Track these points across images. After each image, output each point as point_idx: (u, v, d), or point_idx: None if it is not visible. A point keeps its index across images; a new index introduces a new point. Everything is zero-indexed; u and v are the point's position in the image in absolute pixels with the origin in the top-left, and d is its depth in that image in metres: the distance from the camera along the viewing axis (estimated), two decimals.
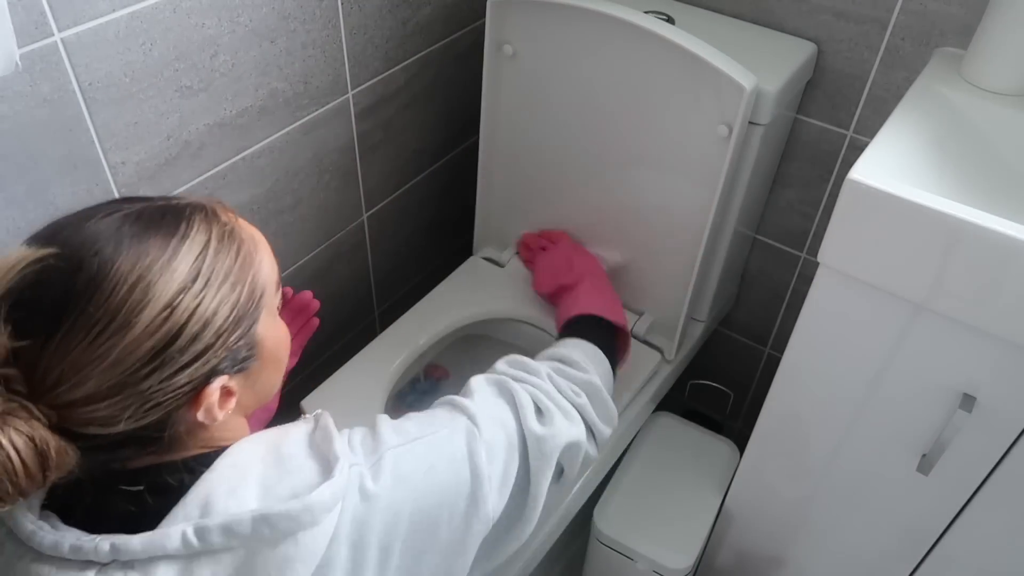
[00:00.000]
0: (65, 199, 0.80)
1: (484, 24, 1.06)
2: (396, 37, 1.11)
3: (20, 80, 0.71)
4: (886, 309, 0.80)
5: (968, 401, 0.79)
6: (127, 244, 0.52)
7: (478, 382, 0.75)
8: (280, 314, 0.65)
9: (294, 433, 0.61)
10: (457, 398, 0.72)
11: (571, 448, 0.76)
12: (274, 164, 1.02)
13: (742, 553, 1.19)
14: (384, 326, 1.20)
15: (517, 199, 1.21)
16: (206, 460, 0.57)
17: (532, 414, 0.73)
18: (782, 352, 0.92)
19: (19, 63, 0.65)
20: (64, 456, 0.51)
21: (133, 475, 0.57)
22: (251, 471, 0.57)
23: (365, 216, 1.24)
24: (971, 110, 0.90)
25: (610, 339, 0.95)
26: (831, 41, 1.06)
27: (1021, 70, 0.89)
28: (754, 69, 0.91)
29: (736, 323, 1.43)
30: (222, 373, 0.56)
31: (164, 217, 0.55)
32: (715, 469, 1.21)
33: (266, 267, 0.61)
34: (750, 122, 0.96)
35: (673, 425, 1.28)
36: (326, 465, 0.58)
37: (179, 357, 0.53)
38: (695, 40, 0.91)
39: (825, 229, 0.79)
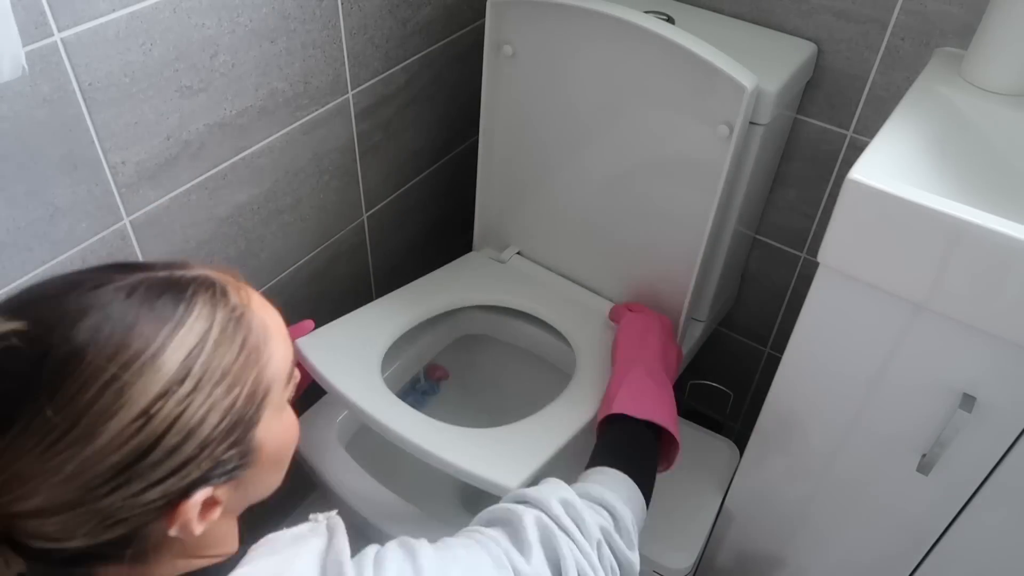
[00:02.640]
0: (65, 199, 0.80)
1: (484, 24, 1.06)
2: (396, 37, 1.11)
3: (20, 80, 0.71)
4: (886, 309, 0.80)
5: (968, 401, 0.79)
6: (108, 330, 0.44)
7: (529, 526, 0.63)
8: (293, 402, 0.57)
9: (300, 565, 0.51)
10: (503, 543, 0.62)
11: None
12: (274, 164, 1.02)
13: (742, 553, 1.19)
14: None
15: (517, 199, 1.21)
16: None
17: None
18: (782, 352, 0.92)
19: (26, 67, 0.65)
20: (3, 570, 0.45)
21: None
22: None
23: (365, 216, 1.24)
24: (971, 110, 0.90)
25: (650, 462, 0.85)
26: (831, 41, 1.06)
27: (1021, 70, 0.89)
28: (754, 69, 0.91)
29: (736, 323, 1.43)
30: (206, 484, 0.48)
31: (161, 296, 0.47)
32: (715, 469, 1.21)
33: (276, 360, 0.52)
34: (750, 122, 0.96)
35: None
36: None
37: (150, 473, 0.44)
38: (695, 40, 0.91)
39: (825, 229, 0.79)
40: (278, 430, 0.53)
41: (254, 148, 0.98)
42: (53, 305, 0.45)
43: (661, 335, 1.02)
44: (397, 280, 1.40)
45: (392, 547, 0.57)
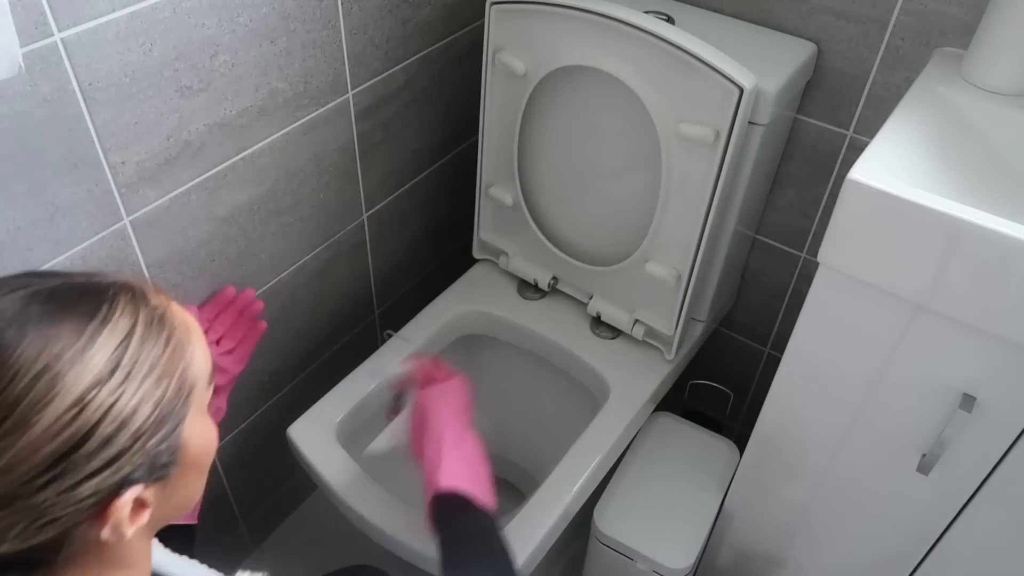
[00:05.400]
0: (65, 199, 0.80)
1: (483, 24, 1.06)
2: (396, 37, 1.11)
3: (20, 80, 0.71)
4: (886, 309, 0.80)
5: (968, 401, 0.79)
6: (34, 326, 0.45)
7: None
8: (217, 365, 0.58)
9: None
10: None
11: None
12: (274, 164, 1.02)
13: (742, 553, 1.19)
14: (384, 326, 1.20)
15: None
16: None
17: None
18: (782, 352, 0.92)
19: (22, 65, 0.65)
20: None
21: None
22: None
23: (365, 216, 1.24)
24: (971, 110, 0.90)
25: (495, 543, 0.78)
26: (831, 41, 1.06)
27: (1021, 70, 0.89)
28: (754, 69, 0.91)
29: (736, 323, 1.43)
30: (136, 482, 0.48)
31: (82, 297, 0.48)
32: (715, 469, 1.21)
33: (199, 359, 0.53)
34: (750, 122, 0.96)
35: (673, 425, 1.28)
36: None
37: (85, 464, 0.44)
38: (695, 40, 0.91)
39: (825, 229, 0.79)
40: (201, 431, 0.54)
41: (254, 148, 0.98)
42: None
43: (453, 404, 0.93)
44: (397, 280, 1.40)
45: None
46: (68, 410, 0.44)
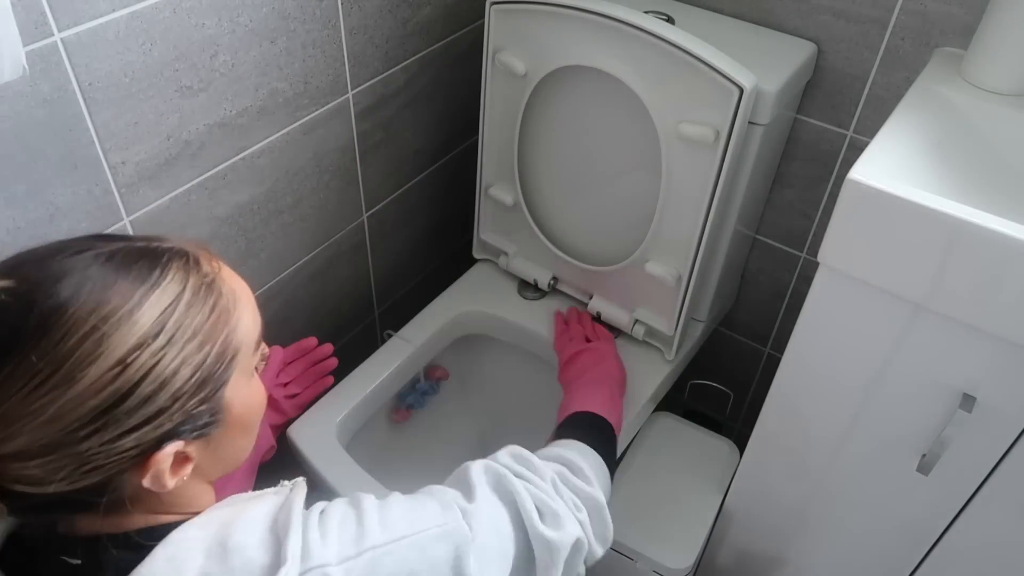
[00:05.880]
0: (65, 199, 0.80)
1: (484, 24, 1.06)
2: (396, 37, 1.11)
3: (20, 80, 0.71)
4: (886, 309, 0.80)
5: (968, 401, 0.79)
6: (88, 288, 0.47)
7: (477, 474, 0.67)
8: (262, 375, 0.60)
9: (253, 513, 0.54)
10: (452, 492, 0.65)
11: (575, 552, 0.69)
12: (274, 164, 1.02)
13: (742, 553, 1.19)
14: (384, 326, 1.20)
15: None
16: (154, 535, 0.51)
17: (537, 517, 0.66)
18: (782, 352, 0.92)
19: (26, 68, 0.65)
20: None
21: (75, 545, 0.52)
22: (189, 567, 0.49)
23: (365, 216, 1.24)
24: (971, 110, 0.90)
25: (610, 444, 0.89)
26: (831, 41, 1.06)
27: (1021, 70, 0.89)
28: (754, 69, 0.91)
29: (736, 323, 1.43)
30: (177, 438, 0.51)
31: (138, 261, 0.51)
32: (715, 469, 1.21)
33: (245, 325, 0.55)
34: (750, 122, 0.96)
35: (673, 425, 1.28)
36: (276, 563, 0.51)
37: (126, 419, 0.47)
38: (695, 40, 0.91)
39: (825, 229, 0.79)
40: (246, 394, 0.56)
41: (254, 148, 0.98)
42: (39, 266, 0.49)
43: (615, 361, 1.08)
44: (397, 280, 1.40)
45: (338, 500, 0.60)
46: (111, 369, 0.46)
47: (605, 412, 0.92)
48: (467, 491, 0.65)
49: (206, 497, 0.58)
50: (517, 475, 0.69)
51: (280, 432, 1.02)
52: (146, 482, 0.50)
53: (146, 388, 0.48)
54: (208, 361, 0.51)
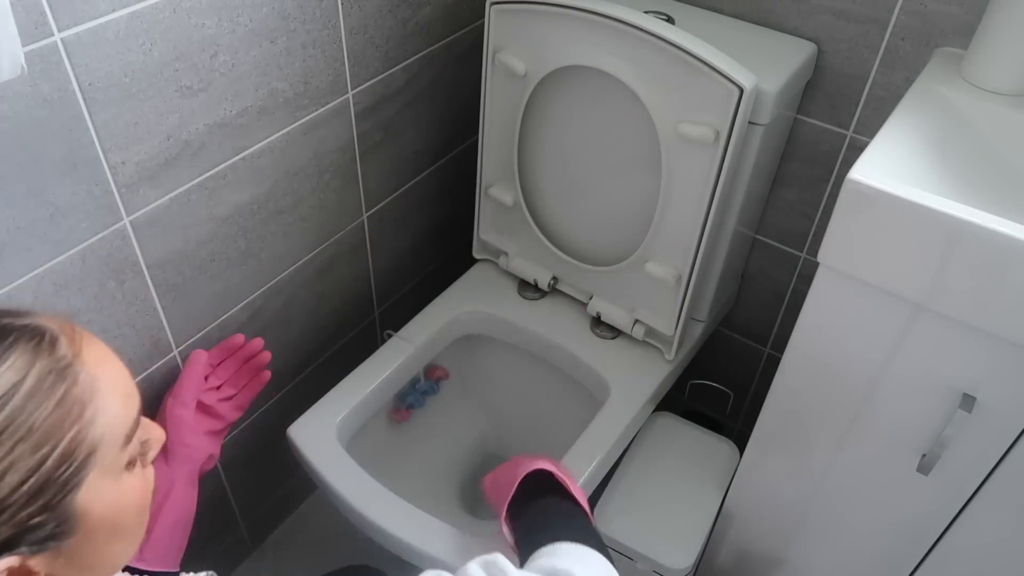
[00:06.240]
0: (65, 199, 0.80)
1: (484, 24, 1.06)
2: (396, 37, 1.11)
3: (20, 80, 0.71)
4: (886, 309, 0.80)
5: (968, 401, 0.79)
6: None
7: None
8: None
9: None
10: None
11: None
12: (274, 164, 1.02)
13: (742, 553, 1.19)
14: (384, 326, 1.20)
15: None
16: None
17: None
18: (782, 352, 0.92)
19: (25, 67, 0.65)
20: None
21: None
22: None
23: (365, 216, 1.24)
24: (971, 110, 0.90)
25: (589, 521, 0.77)
26: (831, 41, 1.06)
27: (1021, 70, 0.89)
28: (754, 69, 0.91)
29: (736, 323, 1.43)
30: (9, 552, 0.44)
31: None
32: (715, 469, 1.21)
33: (107, 416, 0.47)
34: (750, 122, 0.96)
35: (673, 425, 1.28)
36: None
37: None
38: (695, 40, 0.91)
39: (825, 229, 0.79)
40: (111, 496, 0.48)
41: (254, 148, 0.98)
42: None
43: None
44: (397, 280, 1.40)
45: None
46: None
47: (550, 464, 0.81)
48: None
49: None
50: None
51: (224, 436, 1.00)
52: None
53: None
54: (47, 465, 0.44)
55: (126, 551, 0.52)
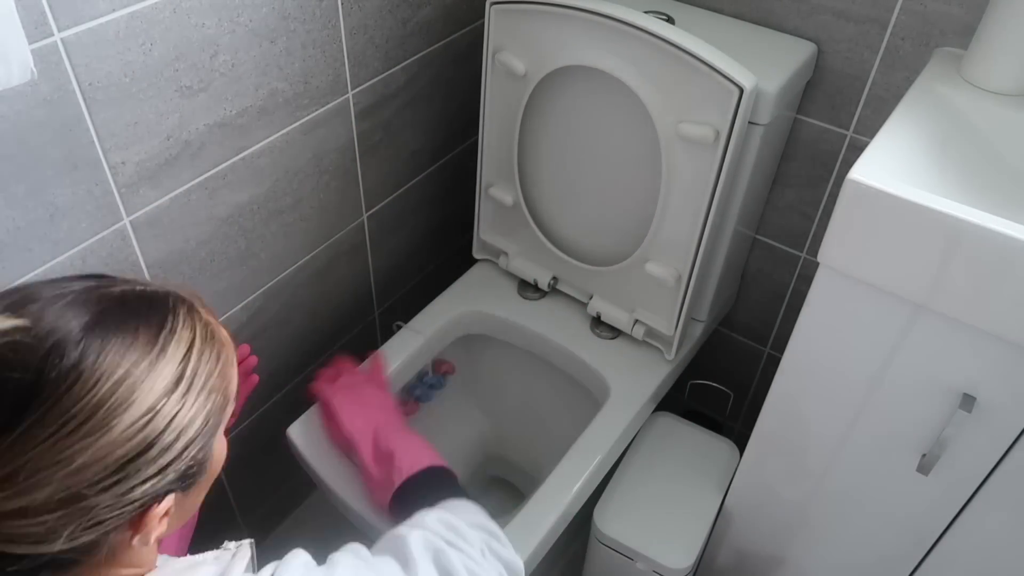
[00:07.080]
0: (65, 199, 0.80)
1: (484, 24, 1.06)
2: (396, 37, 1.11)
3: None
4: (886, 309, 0.80)
5: (968, 401, 0.79)
6: (113, 333, 0.46)
7: (416, 547, 0.66)
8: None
9: None
10: (392, 565, 0.65)
11: None
12: (274, 164, 1.02)
13: (742, 553, 1.19)
14: (384, 326, 1.20)
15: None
16: None
17: None
18: (782, 352, 0.92)
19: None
20: None
21: None
22: None
23: (365, 216, 1.24)
24: (971, 110, 0.90)
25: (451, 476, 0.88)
26: (831, 41, 1.06)
27: (1021, 70, 0.89)
28: (754, 69, 0.91)
29: (736, 323, 1.43)
30: (172, 491, 0.49)
31: (149, 306, 0.49)
32: (715, 469, 1.21)
33: (234, 376, 0.55)
34: (750, 122, 0.96)
35: (673, 425, 1.28)
36: None
37: (145, 470, 0.46)
38: (695, 40, 0.91)
39: (825, 229, 0.79)
40: (220, 445, 0.55)
41: (254, 148, 0.98)
42: (50, 305, 0.46)
43: (368, 388, 1.02)
44: (397, 280, 1.40)
45: (296, 564, 0.60)
46: (143, 416, 0.45)
47: (436, 460, 0.89)
48: (406, 563, 0.65)
49: (151, 556, 0.55)
50: (450, 544, 0.68)
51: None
52: (136, 539, 0.48)
53: (167, 437, 0.47)
54: (214, 410, 0.51)
55: (197, 503, 0.57)
